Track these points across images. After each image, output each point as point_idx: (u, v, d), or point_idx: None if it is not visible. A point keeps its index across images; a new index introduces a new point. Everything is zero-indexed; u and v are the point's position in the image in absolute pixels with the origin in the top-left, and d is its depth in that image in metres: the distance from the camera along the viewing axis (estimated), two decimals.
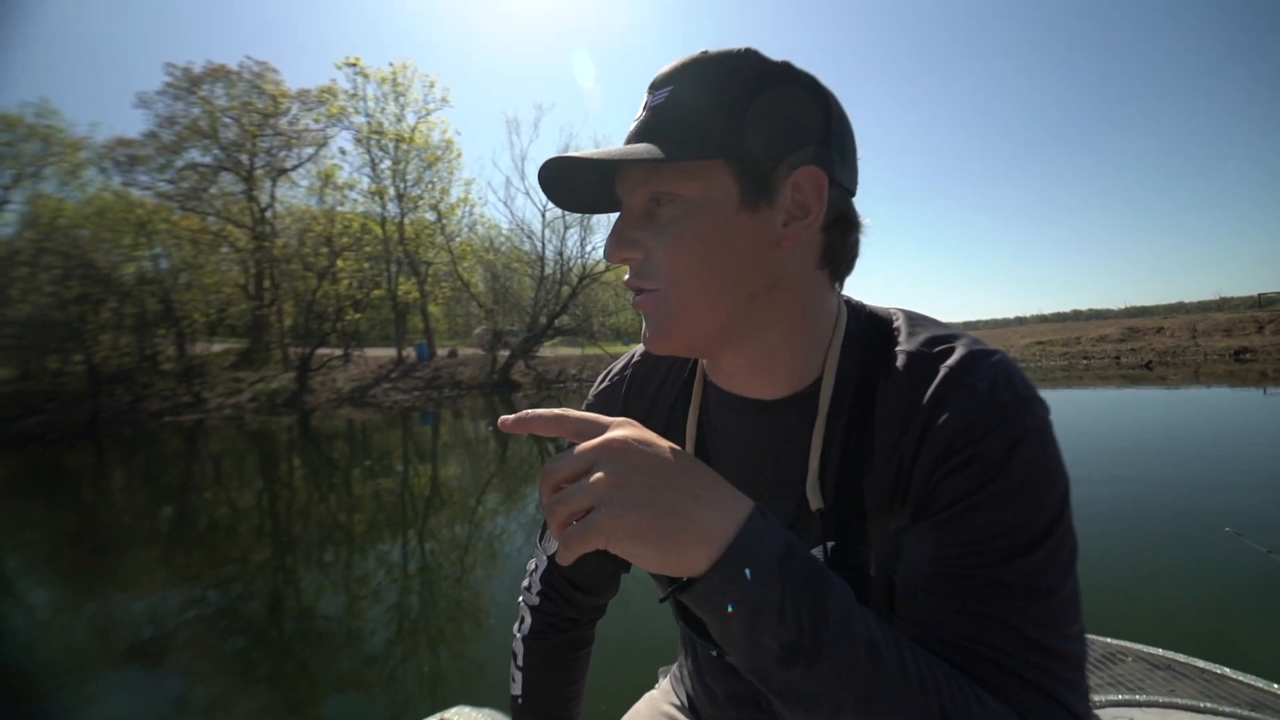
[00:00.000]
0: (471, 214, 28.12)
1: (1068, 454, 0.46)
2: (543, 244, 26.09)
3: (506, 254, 30.14)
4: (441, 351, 27.33)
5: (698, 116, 0.48)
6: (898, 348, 0.53)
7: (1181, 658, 1.23)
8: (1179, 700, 1.06)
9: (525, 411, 0.43)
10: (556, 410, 0.43)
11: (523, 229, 29.80)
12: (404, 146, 25.45)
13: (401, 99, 25.56)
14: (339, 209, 25.20)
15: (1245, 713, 1.00)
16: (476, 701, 1.16)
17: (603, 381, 0.73)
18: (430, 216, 26.28)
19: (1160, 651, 1.26)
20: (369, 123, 25.13)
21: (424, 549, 4.90)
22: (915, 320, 0.56)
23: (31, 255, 18.86)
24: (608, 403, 0.70)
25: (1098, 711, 1.03)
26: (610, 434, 0.41)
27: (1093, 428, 7.92)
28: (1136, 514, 4.22)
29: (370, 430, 13.33)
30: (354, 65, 24.64)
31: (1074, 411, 9.46)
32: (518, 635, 0.77)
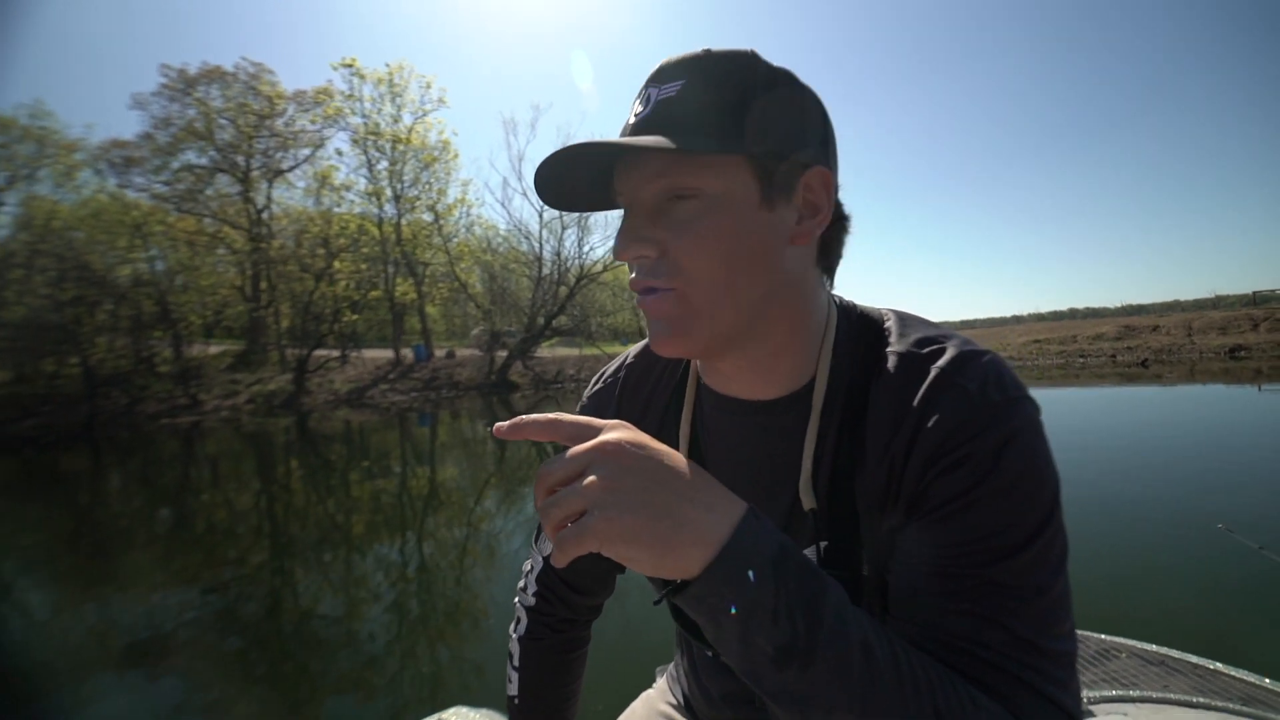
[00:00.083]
0: (469, 215, 28.03)
1: (1063, 452, 0.46)
2: (540, 244, 26.13)
3: (504, 255, 30.08)
4: (439, 352, 27.21)
5: (716, 112, 0.48)
6: (889, 348, 0.53)
7: (1175, 653, 1.24)
8: (1172, 696, 1.07)
9: (519, 418, 0.43)
10: (550, 415, 0.43)
11: (520, 229, 29.75)
12: (401, 147, 25.35)
13: (398, 100, 25.50)
14: (336, 210, 25.11)
15: (1238, 707, 1.01)
16: (474, 702, 1.16)
17: (596, 383, 0.72)
18: (427, 217, 26.19)
19: (1153, 647, 1.27)
20: (365, 124, 25.04)
21: (422, 550, 4.90)
22: (906, 321, 0.56)
23: (26, 257, 18.68)
24: (601, 404, 0.70)
25: (1092, 707, 1.04)
26: (604, 437, 0.41)
27: (1089, 426, 7.95)
28: (1130, 511, 4.24)
29: (368, 431, 13.29)
30: (350, 66, 24.54)
31: (1070, 410, 9.49)
32: (514, 636, 0.77)
